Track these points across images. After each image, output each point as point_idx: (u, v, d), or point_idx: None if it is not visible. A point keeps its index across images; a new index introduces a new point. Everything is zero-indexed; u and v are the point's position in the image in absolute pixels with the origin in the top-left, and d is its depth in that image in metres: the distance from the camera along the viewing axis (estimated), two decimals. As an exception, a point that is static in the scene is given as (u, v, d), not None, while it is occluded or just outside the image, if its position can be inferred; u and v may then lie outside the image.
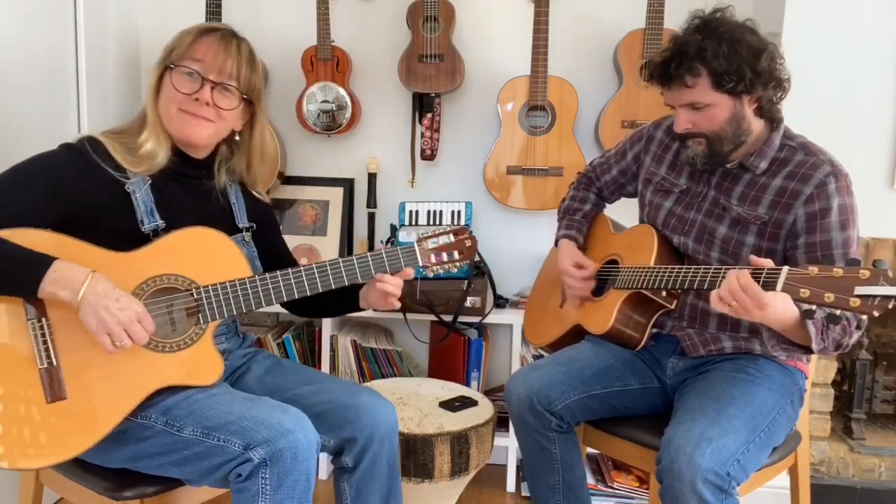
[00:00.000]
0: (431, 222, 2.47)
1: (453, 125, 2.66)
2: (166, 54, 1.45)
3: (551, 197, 2.49)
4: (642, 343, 1.71)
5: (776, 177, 1.56)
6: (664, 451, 1.41)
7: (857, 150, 2.09)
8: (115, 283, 1.30)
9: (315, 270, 1.46)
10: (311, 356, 2.63)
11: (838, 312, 1.22)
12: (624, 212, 1.97)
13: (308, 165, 2.71)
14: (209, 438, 1.31)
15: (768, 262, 1.31)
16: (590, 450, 2.12)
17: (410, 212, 2.46)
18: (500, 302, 2.56)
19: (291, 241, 2.60)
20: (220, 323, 1.44)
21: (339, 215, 2.67)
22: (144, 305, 1.33)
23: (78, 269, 1.28)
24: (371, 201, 2.63)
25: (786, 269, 1.27)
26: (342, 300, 1.66)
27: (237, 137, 1.55)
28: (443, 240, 1.56)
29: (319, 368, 2.51)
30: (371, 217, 2.64)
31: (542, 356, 2.34)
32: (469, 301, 2.39)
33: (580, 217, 1.93)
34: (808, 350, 1.42)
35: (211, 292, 1.41)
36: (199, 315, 1.40)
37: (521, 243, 2.66)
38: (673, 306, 1.67)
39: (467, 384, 2.47)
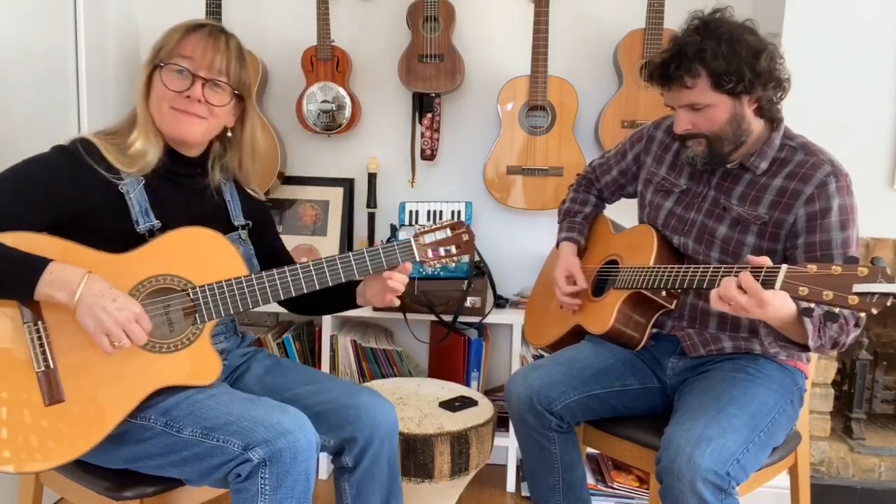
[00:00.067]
0: (432, 222, 2.47)
1: (453, 125, 2.66)
2: (155, 53, 1.44)
3: (551, 197, 2.49)
4: (642, 343, 1.71)
5: (776, 177, 1.56)
6: (664, 451, 1.41)
7: (857, 150, 2.09)
8: (111, 284, 1.30)
9: (312, 268, 1.46)
10: (311, 356, 2.63)
11: (836, 310, 1.22)
12: (624, 212, 1.97)
13: (308, 165, 2.71)
14: (208, 439, 1.31)
15: (766, 261, 1.31)
16: (590, 450, 2.12)
17: (410, 212, 2.46)
18: (500, 302, 2.56)
19: (291, 241, 2.61)
20: (217, 322, 1.44)
21: (339, 215, 2.67)
22: (141, 306, 1.33)
23: (73, 271, 1.28)
24: (371, 201, 2.63)
25: (784, 267, 1.27)
26: (339, 297, 1.66)
27: (229, 134, 1.54)
28: (440, 234, 1.54)
29: (319, 368, 2.51)
30: (371, 217, 2.64)
31: (542, 356, 2.34)
32: (469, 301, 2.39)
33: (581, 219, 1.93)
34: (805, 347, 1.42)
35: (207, 292, 1.40)
36: (196, 315, 1.40)
37: (521, 243, 2.66)
38: (673, 306, 1.67)
39: (467, 384, 2.47)
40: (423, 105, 2.56)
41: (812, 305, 1.25)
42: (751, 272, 1.30)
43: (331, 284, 1.47)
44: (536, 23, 2.43)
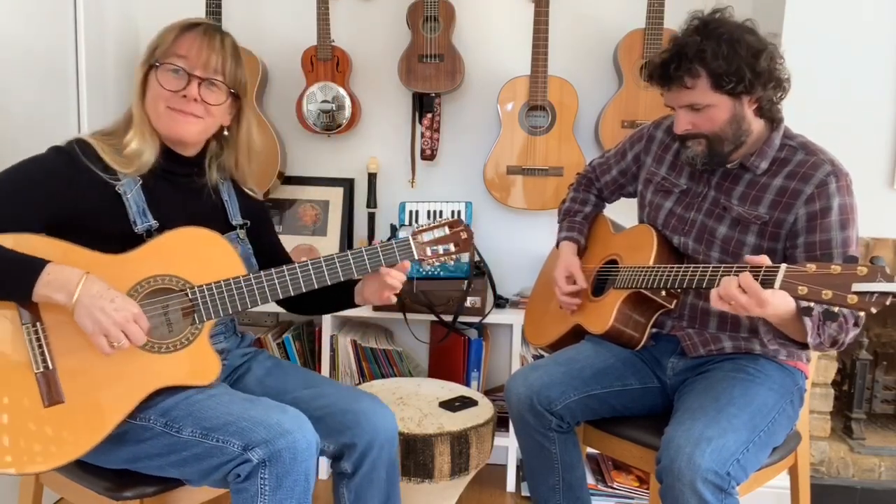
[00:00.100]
0: (431, 222, 2.47)
1: (453, 125, 2.66)
2: (150, 52, 1.44)
3: (551, 197, 2.49)
4: (642, 343, 1.71)
5: (777, 177, 1.56)
6: (664, 451, 1.41)
7: (857, 150, 2.09)
8: (109, 285, 1.30)
9: (311, 267, 1.45)
10: (311, 356, 2.63)
11: (836, 309, 1.22)
12: (624, 212, 1.97)
13: (308, 165, 2.71)
14: (208, 439, 1.31)
15: (765, 260, 1.31)
16: (590, 450, 2.12)
17: (410, 212, 2.46)
18: (500, 302, 2.56)
19: (291, 241, 2.61)
20: (216, 322, 1.44)
21: (339, 215, 2.67)
22: (140, 306, 1.33)
23: (71, 272, 1.28)
24: (371, 201, 2.63)
25: (783, 266, 1.27)
26: (337, 297, 1.65)
27: (226, 133, 1.54)
28: (438, 233, 1.53)
29: (319, 368, 2.51)
30: (371, 217, 2.64)
31: (542, 356, 2.34)
32: (469, 301, 2.39)
33: (581, 218, 1.93)
34: (804, 345, 1.42)
35: (206, 292, 1.40)
36: (195, 315, 1.40)
37: (521, 243, 2.66)
38: (673, 306, 1.67)
39: (467, 384, 2.47)
40: (423, 105, 2.56)
41: (811, 305, 1.25)
42: (750, 272, 1.30)
43: (329, 283, 1.46)
44: (536, 23, 2.43)
